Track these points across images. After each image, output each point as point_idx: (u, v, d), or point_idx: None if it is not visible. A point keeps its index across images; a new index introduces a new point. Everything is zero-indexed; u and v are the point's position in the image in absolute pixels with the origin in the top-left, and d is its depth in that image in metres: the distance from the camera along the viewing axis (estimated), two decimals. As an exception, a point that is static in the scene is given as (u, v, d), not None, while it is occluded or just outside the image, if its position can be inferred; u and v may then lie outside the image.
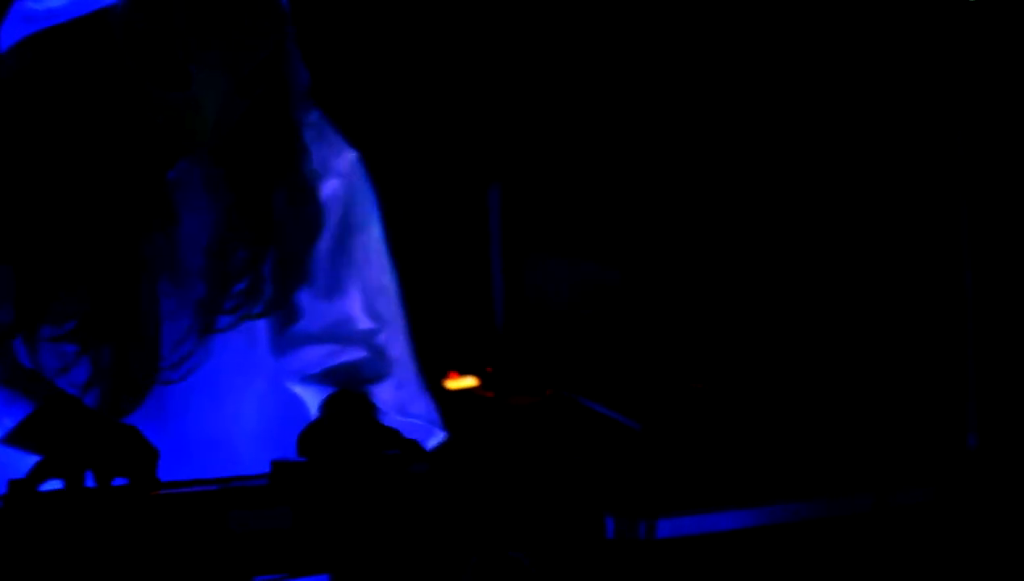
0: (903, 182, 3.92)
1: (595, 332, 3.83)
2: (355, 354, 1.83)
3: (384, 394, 1.81)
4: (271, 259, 1.75)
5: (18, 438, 1.62)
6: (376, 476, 1.46)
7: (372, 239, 1.87)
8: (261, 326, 1.79)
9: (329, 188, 1.83)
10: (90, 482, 1.50)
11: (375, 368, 1.82)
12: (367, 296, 1.85)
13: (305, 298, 1.81)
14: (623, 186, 3.95)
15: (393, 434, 1.65)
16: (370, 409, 1.76)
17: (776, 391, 3.69)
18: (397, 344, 1.85)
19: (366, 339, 1.83)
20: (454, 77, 3.85)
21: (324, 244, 1.83)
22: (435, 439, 1.87)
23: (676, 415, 3.35)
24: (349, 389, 1.79)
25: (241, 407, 1.80)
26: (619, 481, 2.47)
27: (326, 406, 1.77)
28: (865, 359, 3.84)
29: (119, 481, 1.51)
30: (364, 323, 1.84)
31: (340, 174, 1.84)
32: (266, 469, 1.47)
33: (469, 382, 3.53)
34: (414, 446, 1.63)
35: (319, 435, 1.69)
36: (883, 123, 3.97)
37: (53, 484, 1.48)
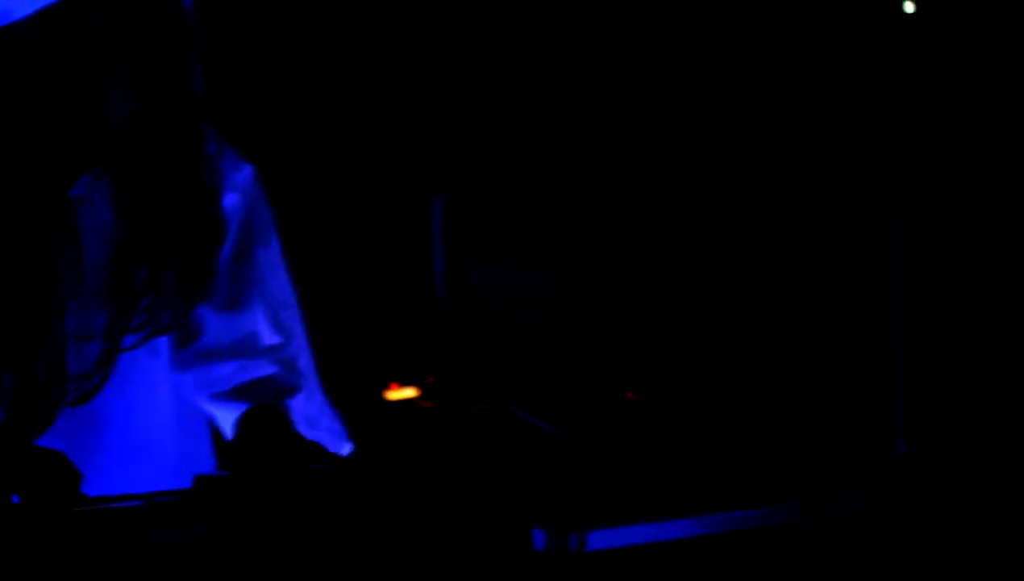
0: (829, 195, 3.95)
1: (534, 343, 3.82)
2: (265, 369, 1.82)
3: (296, 407, 1.80)
4: (173, 275, 1.73)
5: None
6: (299, 489, 1.44)
7: (273, 253, 1.87)
8: (164, 343, 1.77)
9: (229, 202, 1.82)
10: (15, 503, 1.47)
11: (286, 382, 1.82)
12: (272, 310, 1.84)
13: (208, 313, 1.80)
14: (562, 196, 3.94)
15: (314, 447, 1.64)
16: (287, 423, 1.75)
17: (707, 400, 3.70)
18: (304, 357, 1.86)
19: (275, 354, 1.83)
20: (400, 88, 3.83)
21: (226, 258, 1.81)
22: (343, 451, 1.86)
23: (609, 425, 3.35)
24: (264, 404, 1.77)
25: (151, 424, 1.78)
26: (550, 493, 2.45)
27: (243, 421, 1.75)
28: (794, 368, 3.86)
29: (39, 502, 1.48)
30: (270, 338, 1.84)
31: (239, 188, 1.84)
32: (179, 485, 1.45)
33: (409, 393, 3.52)
34: (337, 458, 1.61)
35: (240, 450, 1.67)
36: (811, 134, 3.99)
37: None
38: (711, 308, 3.93)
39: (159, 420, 1.81)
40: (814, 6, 3.79)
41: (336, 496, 1.45)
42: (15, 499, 1.49)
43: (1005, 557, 3.24)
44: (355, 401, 2.09)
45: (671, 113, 3.91)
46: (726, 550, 2.62)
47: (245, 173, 1.88)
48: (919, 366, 3.63)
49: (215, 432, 1.79)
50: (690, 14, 3.89)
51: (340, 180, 3.28)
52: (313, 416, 1.85)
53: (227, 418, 1.79)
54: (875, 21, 3.67)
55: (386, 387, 3.50)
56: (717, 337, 3.90)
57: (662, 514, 2.50)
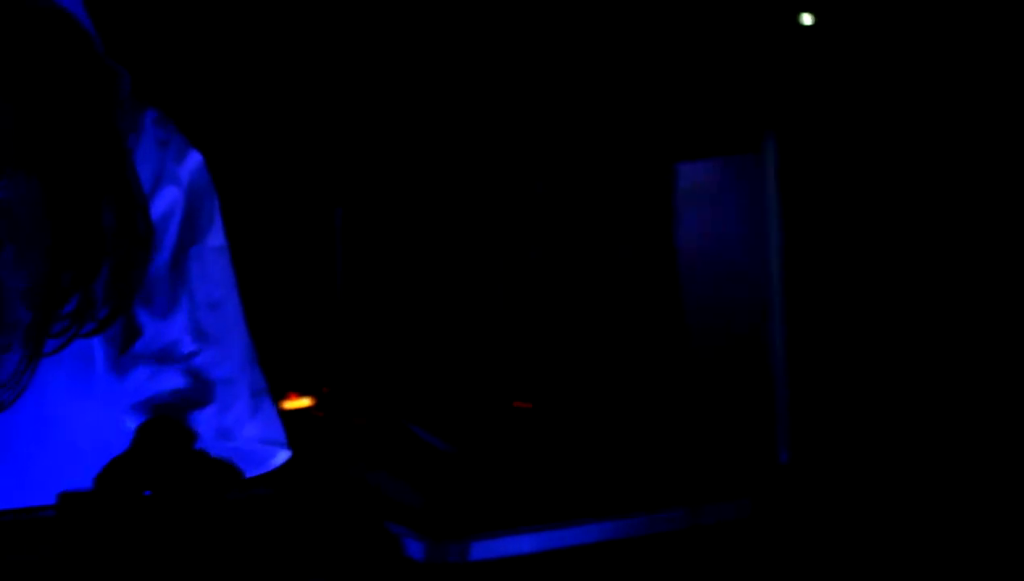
0: (715, 205, 3.98)
1: (425, 355, 3.80)
2: (172, 381, 1.75)
3: (205, 420, 1.73)
4: (104, 278, 1.67)
5: None
6: (165, 507, 1.40)
7: (207, 250, 1.79)
8: (99, 349, 1.71)
9: (166, 199, 1.75)
10: None
11: (192, 394, 1.75)
12: (194, 314, 1.77)
13: (144, 318, 1.73)
14: (452, 212, 3.93)
15: (204, 462, 1.58)
16: (183, 437, 1.69)
17: (591, 409, 3.71)
18: (226, 364, 1.77)
19: (186, 362, 1.75)
20: (302, 104, 3.79)
21: (161, 260, 1.74)
22: (276, 460, 1.80)
23: (497, 435, 3.34)
24: (166, 416, 1.71)
25: (75, 433, 1.71)
26: (434, 503, 2.43)
27: (136, 435, 1.69)
28: (677, 378, 3.88)
29: None
30: (187, 345, 1.76)
31: (179, 181, 1.76)
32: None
33: (304, 402, 3.49)
34: (228, 472, 1.55)
35: (120, 466, 1.61)
36: (703, 140, 4.03)
37: None
38: (595, 317, 3.96)
39: (78, 432, 1.74)
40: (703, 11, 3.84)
41: (205, 508, 1.41)
42: None
43: (883, 563, 3.29)
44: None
45: (546, 123, 3.93)
46: (610, 558, 2.63)
47: (190, 163, 1.79)
48: (801, 375, 3.68)
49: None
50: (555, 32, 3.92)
51: (242, 191, 3.23)
52: (227, 429, 1.77)
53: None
54: (771, 33, 3.73)
55: (283, 397, 3.47)
56: (601, 346, 3.93)
57: (546, 523, 2.50)
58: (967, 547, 3.27)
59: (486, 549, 2.21)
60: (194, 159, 1.80)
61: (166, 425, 1.72)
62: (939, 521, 3.36)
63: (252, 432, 1.80)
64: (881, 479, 3.58)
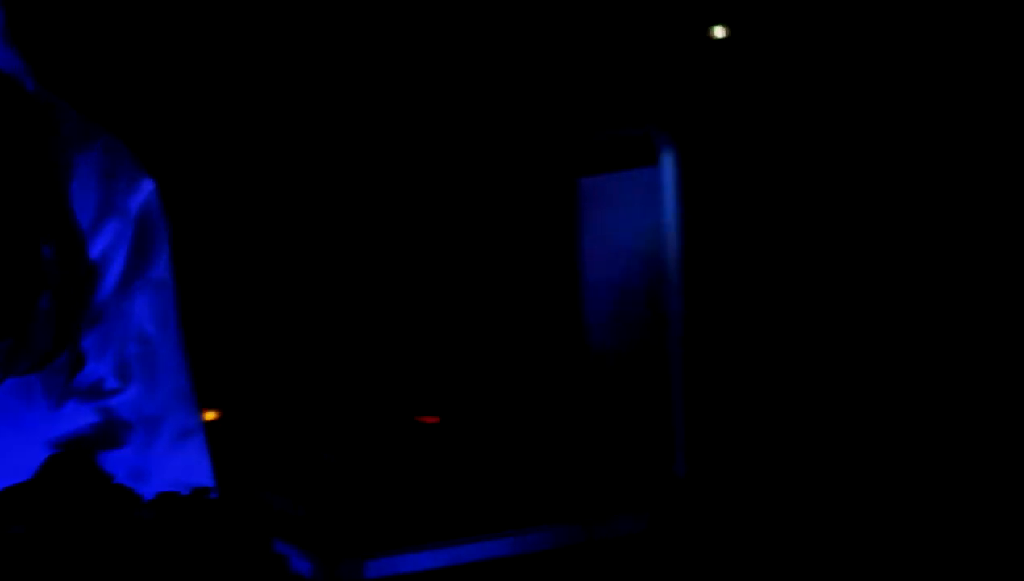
0: (613, 219, 4.00)
1: (322, 368, 3.77)
2: (89, 417, 1.69)
3: (119, 460, 1.67)
4: (43, 314, 1.60)
5: None
6: (45, 538, 1.36)
7: (150, 284, 1.72)
8: (37, 383, 1.64)
9: (110, 232, 1.68)
10: None
11: (107, 433, 1.69)
12: (122, 351, 1.71)
13: (81, 352, 1.67)
14: (354, 223, 3.90)
15: (127, 499, 1.52)
16: (87, 475, 1.63)
17: (493, 424, 3.69)
18: (151, 403, 1.71)
19: (107, 399, 1.69)
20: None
21: (103, 295, 1.68)
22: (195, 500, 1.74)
23: (395, 451, 3.31)
24: (78, 452, 1.66)
25: (10, 470, 1.65)
26: (328, 522, 2.41)
27: (40, 469, 1.64)
28: (577, 392, 3.88)
29: None
30: (110, 382, 1.70)
31: (126, 213, 1.69)
32: None
33: (211, 415, 3.45)
34: (123, 505, 1.50)
35: (7, 498, 1.56)
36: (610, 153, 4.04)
37: None
38: (497, 331, 3.95)
39: (13, 469, 1.67)
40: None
41: (87, 537, 1.37)
42: None
43: (779, 576, 3.32)
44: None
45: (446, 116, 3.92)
46: (508, 575, 2.61)
47: (140, 193, 1.72)
48: (698, 389, 3.71)
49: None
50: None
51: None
52: (144, 469, 1.71)
53: None
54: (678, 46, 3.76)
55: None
56: (503, 360, 3.92)
57: (443, 540, 2.48)
58: (865, 557, 3.31)
59: (381, 567, 2.19)
60: (145, 188, 1.74)
61: (74, 462, 1.67)
62: (834, 532, 3.40)
63: (172, 474, 1.74)
64: (777, 492, 3.62)
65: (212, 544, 1.38)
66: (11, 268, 1.61)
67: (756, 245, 3.88)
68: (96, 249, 1.68)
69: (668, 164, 3.75)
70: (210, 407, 3.50)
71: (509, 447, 3.45)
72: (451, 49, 3.83)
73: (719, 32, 3.78)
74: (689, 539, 3.25)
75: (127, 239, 1.70)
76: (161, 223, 1.75)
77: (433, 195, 3.92)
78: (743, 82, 3.86)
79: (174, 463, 1.73)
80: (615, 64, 3.83)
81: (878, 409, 3.66)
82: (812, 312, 3.83)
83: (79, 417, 1.70)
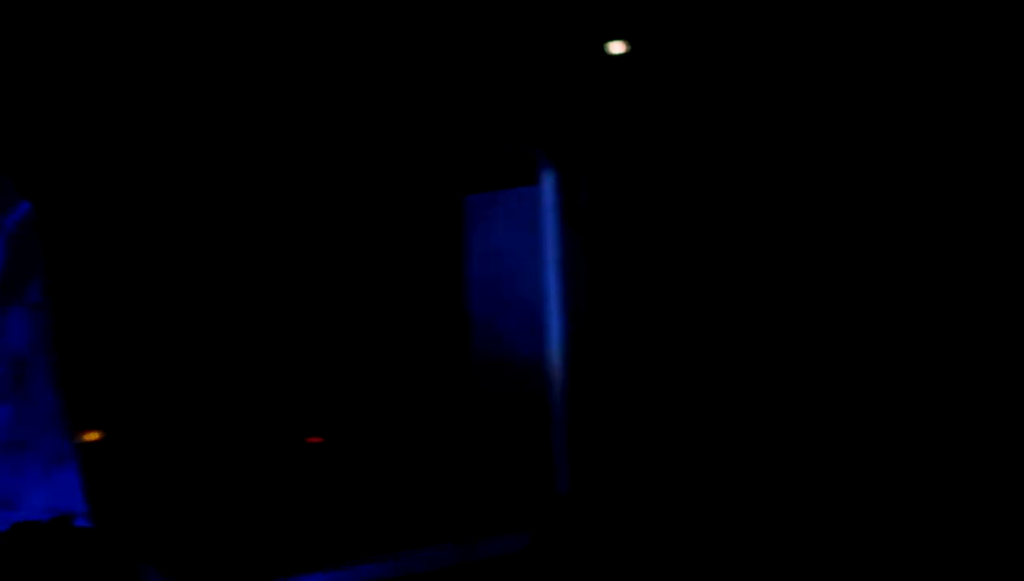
0: (490, 241, 4.01)
1: (211, 386, 3.72)
2: None
3: None
4: None
5: None
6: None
7: (23, 307, 1.68)
8: None
9: None
10: None
11: None
12: None
13: None
14: (239, 244, 3.86)
15: None
16: None
17: (377, 445, 3.67)
18: (21, 427, 1.67)
19: None
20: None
21: None
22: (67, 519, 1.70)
23: (271, 472, 3.28)
24: None
25: None
26: (202, 546, 2.38)
27: None
28: (461, 411, 3.88)
29: None
30: None
31: (2, 231, 1.65)
32: None
33: (92, 436, 3.40)
34: None
35: None
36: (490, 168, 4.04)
37: None
38: (383, 353, 3.92)
39: None
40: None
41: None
42: None
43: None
44: None
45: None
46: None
47: (15, 213, 1.68)
48: (579, 406, 3.72)
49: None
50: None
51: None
52: (10, 495, 1.66)
53: None
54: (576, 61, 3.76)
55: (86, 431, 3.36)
56: (388, 381, 3.89)
57: (316, 565, 2.47)
58: (751, 570, 3.34)
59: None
60: (21, 208, 1.70)
61: None
62: (714, 547, 3.43)
63: (42, 501, 1.70)
64: (659, 506, 3.64)
65: (70, 575, 1.35)
66: None
67: (640, 261, 3.91)
68: None
69: (548, 182, 3.77)
70: (92, 428, 3.44)
71: (392, 466, 3.43)
72: (337, 66, 3.81)
73: (615, 48, 3.80)
74: (569, 555, 3.26)
75: (1, 261, 1.67)
76: (35, 245, 1.72)
77: (320, 215, 3.90)
78: (628, 101, 3.89)
79: (44, 490, 1.69)
80: (499, 84, 3.84)
81: (754, 423, 3.71)
82: (694, 329, 3.87)
83: None
